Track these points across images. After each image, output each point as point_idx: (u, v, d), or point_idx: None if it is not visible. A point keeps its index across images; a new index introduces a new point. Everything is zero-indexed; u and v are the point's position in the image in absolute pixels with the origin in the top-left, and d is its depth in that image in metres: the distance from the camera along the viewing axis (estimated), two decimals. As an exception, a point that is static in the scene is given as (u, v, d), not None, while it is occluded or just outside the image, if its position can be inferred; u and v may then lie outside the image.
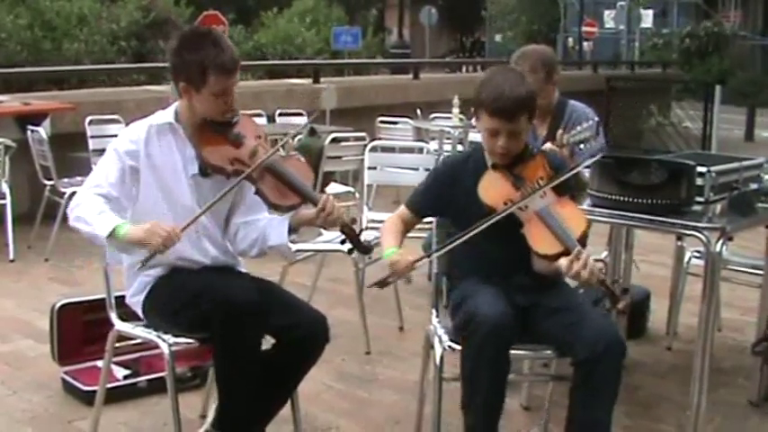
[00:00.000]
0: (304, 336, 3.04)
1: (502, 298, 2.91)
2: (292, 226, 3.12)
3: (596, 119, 3.79)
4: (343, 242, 3.11)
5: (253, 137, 3.11)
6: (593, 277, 2.75)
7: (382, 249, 3.08)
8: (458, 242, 2.88)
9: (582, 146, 3.46)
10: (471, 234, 2.86)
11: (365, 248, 3.15)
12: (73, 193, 6.07)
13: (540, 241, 2.87)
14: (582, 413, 2.87)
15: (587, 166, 3.25)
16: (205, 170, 3.10)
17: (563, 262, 2.80)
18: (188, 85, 3.00)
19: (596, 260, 2.85)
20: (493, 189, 2.97)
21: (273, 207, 3.08)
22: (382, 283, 2.94)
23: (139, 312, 3.18)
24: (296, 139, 6.66)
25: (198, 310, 2.94)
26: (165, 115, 3.10)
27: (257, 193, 3.05)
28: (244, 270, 3.30)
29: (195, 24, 3.09)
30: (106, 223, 2.88)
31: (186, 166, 3.09)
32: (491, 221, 2.87)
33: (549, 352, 3.01)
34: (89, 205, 2.94)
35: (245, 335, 2.91)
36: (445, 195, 3.12)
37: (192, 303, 2.96)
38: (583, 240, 2.86)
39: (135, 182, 3.05)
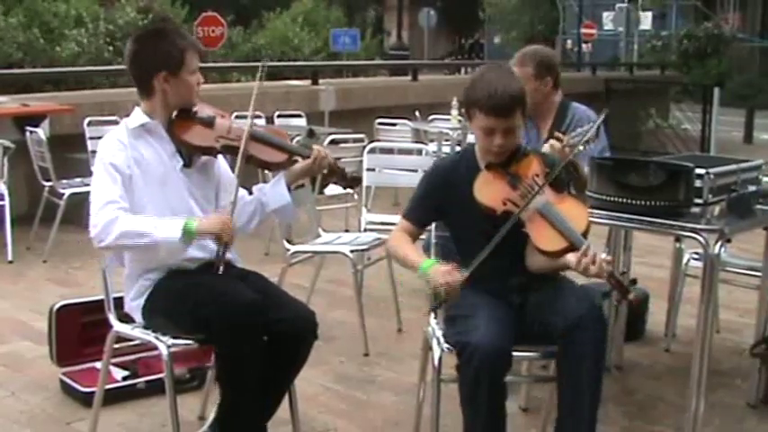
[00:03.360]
0: (292, 330, 3.05)
1: (496, 318, 2.88)
2: (289, 184, 3.24)
3: (598, 120, 3.80)
4: (335, 182, 3.43)
5: (218, 115, 3.25)
6: (602, 271, 2.76)
7: (410, 265, 3.03)
8: (488, 250, 2.84)
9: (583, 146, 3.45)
10: (498, 239, 2.83)
11: (356, 180, 3.50)
12: (72, 194, 6.23)
13: (544, 238, 2.86)
14: (566, 387, 2.87)
15: (585, 144, 3.28)
16: (190, 159, 3.17)
17: (571, 258, 2.81)
18: (168, 72, 3.08)
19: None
20: (489, 189, 2.96)
21: (266, 167, 3.35)
22: (438, 307, 2.93)
23: (138, 317, 3.18)
24: (294, 140, 6.66)
25: (199, 317, 2.95)
26: (137, 119, 3.14)
27: (249, 160, 3.15)
28: (240, 264, 3.31)
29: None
30: (168, 227, 2.97)
31: (171, 161, 3.13)
32: (511, 223, 2.85)
33: (546, 353, 3.02)
34: (127, 221, 2.96)
35: (246, 339, 2.92)
36: (441, 200, 3.12)
37: (193, 311, 2.97)
38: (586, 234, 2.87)
39: (130, 187, 3.06)
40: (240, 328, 2.89)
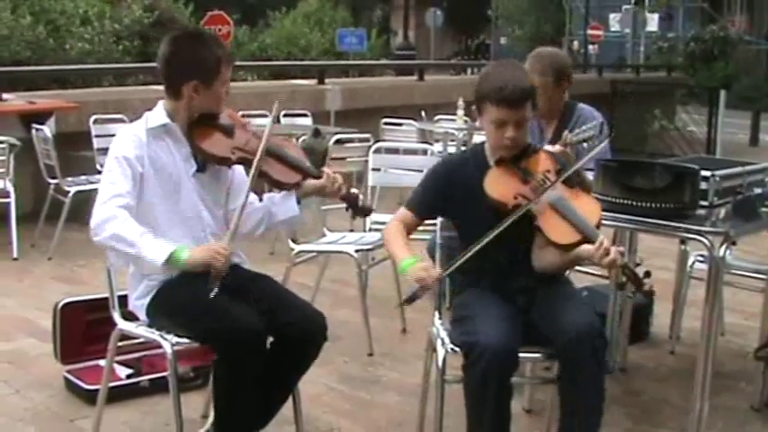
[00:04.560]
0: (301, 333, 3.04)
1: (503, 318, 2.89)
2: (299, 198, 3.23)
3: (601, 119, 3.80)
4: (347, 209, 3.30)
5: (240, 125, 3.21)
6: (618, 263, 2.77)
7: (394, 260, 3.09)
8: (479, 246, 2.86)
9: (585, 144, 3.45)
10: (496, 233, 2.85)
11: (366, 210, 3.40)
12: (77, 192, 6.24)
13: (558, 232, 2.87)
14: (568, 407, 2.89)
15: (585, 143, 3.31)
16: (204, 165, 3.15)
17: (588, 249, 2.82)
18: (200, 82, 3.04)
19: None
20: (501, 184, 2.97)
21: (279, 186, 3.22)
22: (411, 300, 2.94)
23: (142, 315, 3.18)
24: (300, 139, 6.68)
25: (202, 331, 2.96)
26: (158, 117, 3.10)
27: (261, 175, 3.11)
28: (247, 266, 3.30)
29: (187, 27, 3.17)
30: (159, 249, 2.93)
31: (185, 165, 3.12)
32: (512, 219, 2.87)
33: (550, 354, 3.01)
34: (125, 224, 2.93)
35: (247, 359, 2.91)
36: (445, 195, 3.12)
37: (196, 323, 2.97)
38: (598, 227, 2.88)
39: (139, 186, 3.05)
40: (241, 352, 2.89)
